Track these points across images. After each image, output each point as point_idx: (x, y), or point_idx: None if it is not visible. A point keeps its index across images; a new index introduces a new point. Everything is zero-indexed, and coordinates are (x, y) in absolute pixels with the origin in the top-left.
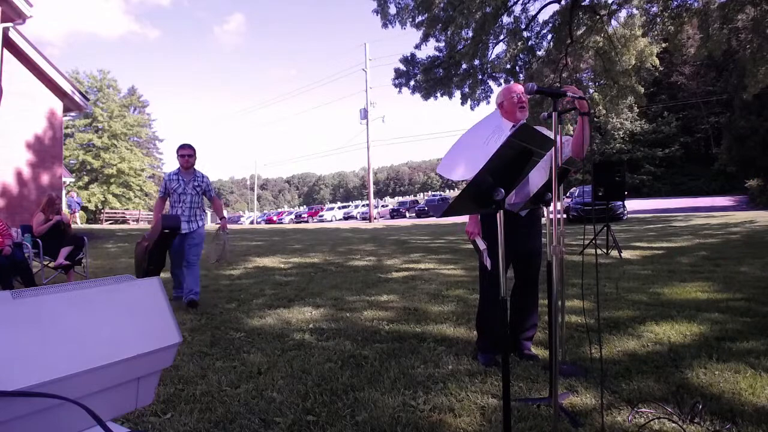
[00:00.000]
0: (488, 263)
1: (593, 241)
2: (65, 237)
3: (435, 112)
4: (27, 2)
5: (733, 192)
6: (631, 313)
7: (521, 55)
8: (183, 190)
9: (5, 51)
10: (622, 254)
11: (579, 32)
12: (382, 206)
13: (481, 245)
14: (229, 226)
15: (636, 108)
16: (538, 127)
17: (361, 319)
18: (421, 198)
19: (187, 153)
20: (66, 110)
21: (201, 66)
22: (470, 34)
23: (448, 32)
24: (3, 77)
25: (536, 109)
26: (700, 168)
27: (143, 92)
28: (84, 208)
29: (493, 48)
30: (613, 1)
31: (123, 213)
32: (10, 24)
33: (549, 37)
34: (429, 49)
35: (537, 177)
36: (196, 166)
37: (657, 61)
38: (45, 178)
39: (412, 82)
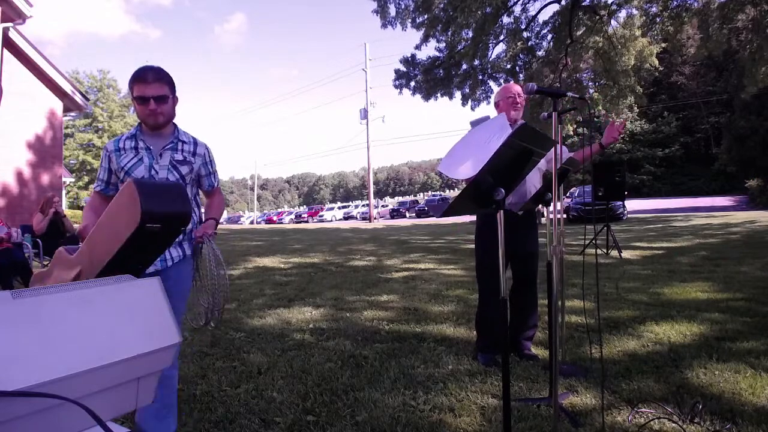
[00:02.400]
0: None
1: (593, 241)
2: (65, 236)
3: (435, 112)
4: (27, 2)
5: (733, 192)
6: (631, 313)
7: (521, 55)
8: (150, 172)
9: (5, 51)
10: (622, 254)
11: (579, 32)
12: (382, 206)
13: None
14: (228, 226)
15: (636, 108)
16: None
17: (361, 319)
18: (421, 198)
19: (154, 93)
20: (66, 110)
21: (201, 66)
22: (470, 34)
23: (449, 32)
24: (3, 77)
25: (536, 109)
26: (700, 168)
27: None
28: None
29: (493, 48)
30: (613, 2)
31: None
32: (10, 24)
33: (549, 37)
34: (429, 50)
35: (535, 177)
36: (177, 123)
37: (656, 62)
38: (45, 178)
39: (412, 83)
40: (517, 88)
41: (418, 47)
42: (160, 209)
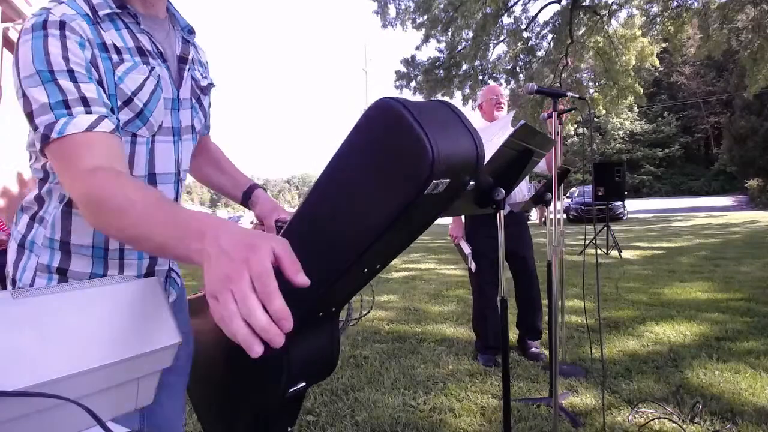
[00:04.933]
0: (473, 266)
1: (593, 241)
2: None
3: None
4: (27, 2)
5: (733, 192)
6: (631, 313)
7: (521, 56)
8: (177, 112)
9: (5, 51)
10: (622, 254)
11: (579, 32)
12: None
13: (466, 249)
14: None
15: (636, 108)
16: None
17: (361, 319)
18: None
19: None
20: None
21: None
22: (471, 34)
23: (449, 33)
24: (3, 77)
25: (536, 109)
26: (700, 168)
27: None
28: None
29: (494, 48)
30: (613, 1)
31: None
32: (10, 24)
33: (549, 37)
34: (430, 50)
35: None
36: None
37: (656, 62)
38: None
39: (413, 84)
40: (499, 90)
41: (418, 48)
42: (449, 148)
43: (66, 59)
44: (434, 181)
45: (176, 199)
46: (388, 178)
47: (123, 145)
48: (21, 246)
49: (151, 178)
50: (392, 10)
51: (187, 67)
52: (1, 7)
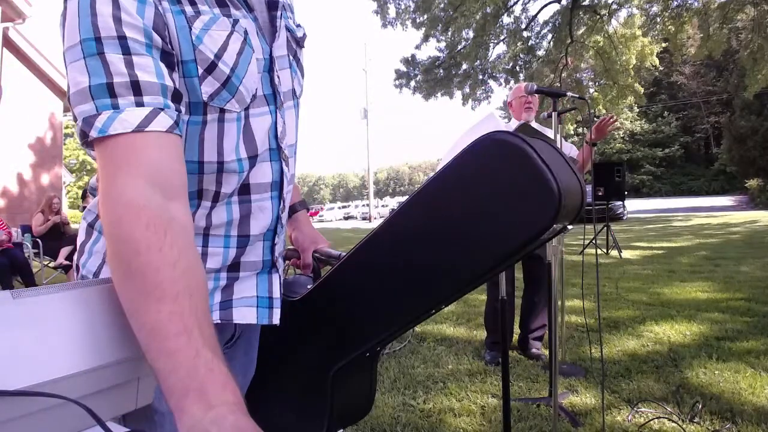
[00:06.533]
0: None
1: (593, 241)
2: (65, 237)
3: (435, 111)
4: (27, 2)
5: (733, 192)
6: (631, 313)
7: (521, 55)
8: (272, 78)
9: (5, 51)
10: (622, 254)
11: (579, 32)
12: (382, 206)
13: None
14: None
15: (636, 108)
16: (537, 126)
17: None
18: None
19: None
20: (66, 110)
21: None
22: (471, 34)
23: (449, 32)
24: (3, 77)
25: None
26: (700, 168)
27: None
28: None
29: (494, 48)
30: (613, 1)
31: None
32: (10, 24)
33: (549, 37)
34: (430, 49)
35: None
36: None
37: (657, 61)
38: (45, 179)
39: (412, 83)
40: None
41: (418, 47)
42: (567, 191)
43: (118, 20)
44: (554, 225)
45: (281, 183)
46: (502, 219)
47: (181, 147)
48: (90, 226)
49: (252, 161)
50: (392, 10)
51: (279, 14)
52: (1, 7)
